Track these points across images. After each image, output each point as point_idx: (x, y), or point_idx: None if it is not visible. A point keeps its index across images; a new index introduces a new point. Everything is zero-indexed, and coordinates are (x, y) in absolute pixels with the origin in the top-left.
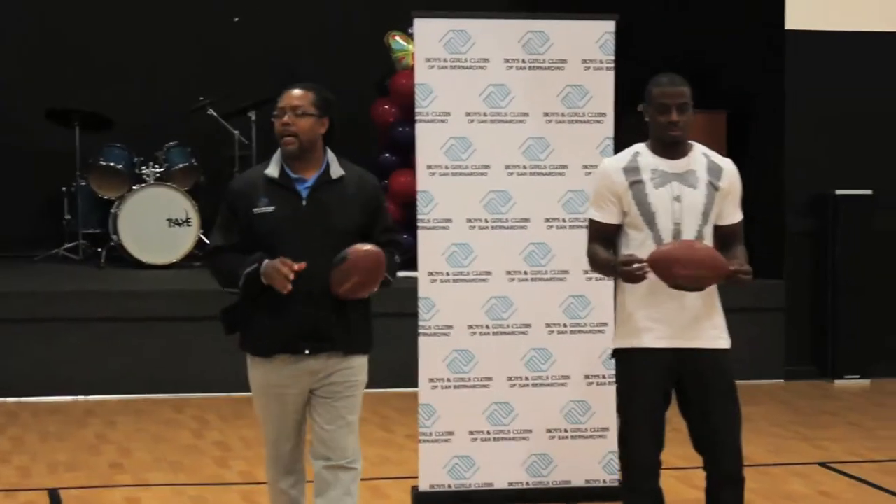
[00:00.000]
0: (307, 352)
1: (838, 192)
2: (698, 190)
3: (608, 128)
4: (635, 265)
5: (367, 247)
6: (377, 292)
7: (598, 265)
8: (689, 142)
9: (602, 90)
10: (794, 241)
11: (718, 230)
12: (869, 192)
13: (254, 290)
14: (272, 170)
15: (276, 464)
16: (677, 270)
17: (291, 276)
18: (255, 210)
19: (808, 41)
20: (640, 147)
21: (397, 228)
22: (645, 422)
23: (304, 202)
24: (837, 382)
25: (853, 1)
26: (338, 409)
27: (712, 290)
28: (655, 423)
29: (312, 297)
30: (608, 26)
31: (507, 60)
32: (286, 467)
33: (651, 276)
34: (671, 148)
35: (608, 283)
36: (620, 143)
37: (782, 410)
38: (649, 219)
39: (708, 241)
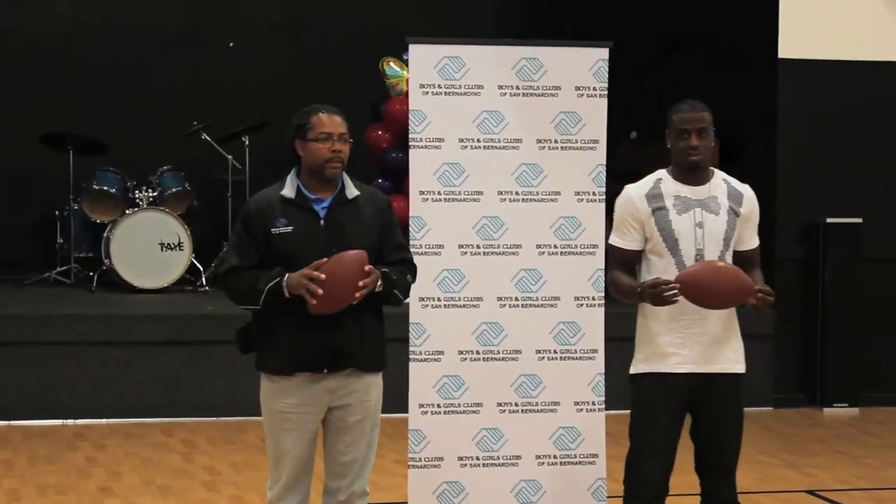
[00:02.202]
0: (326, 370)
1: (828, 220)
2: (720, 216)
3: (601, 155)
4: (663, 287)
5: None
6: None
7: (621, 291)
8: (710, 168)
9: (595, 117)
10: (783, 269)
11: (737, 255)
12: (858, 220)
13: (275, 306)
14: (288, 190)
15: (284, 485)
16: (704, 290)
17: (322, 278)
18: (274, 230)
19: (801, 70)
20: (662, 173)
21: (407, 247)
22: (660, 446)
23: (321, 222)
24: (826, 410)
25: (844, 30)
26: (354, 429)
27: (732, 315)
28: (670, 448)
29: (331, 316)
30: (602, 53)
31: (500, 87)
32: (294, 489)
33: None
34: (692, 174)
35: (599, 310)
36: (611, 170)
37: (771, 438)
38: (672, 245)
39: None
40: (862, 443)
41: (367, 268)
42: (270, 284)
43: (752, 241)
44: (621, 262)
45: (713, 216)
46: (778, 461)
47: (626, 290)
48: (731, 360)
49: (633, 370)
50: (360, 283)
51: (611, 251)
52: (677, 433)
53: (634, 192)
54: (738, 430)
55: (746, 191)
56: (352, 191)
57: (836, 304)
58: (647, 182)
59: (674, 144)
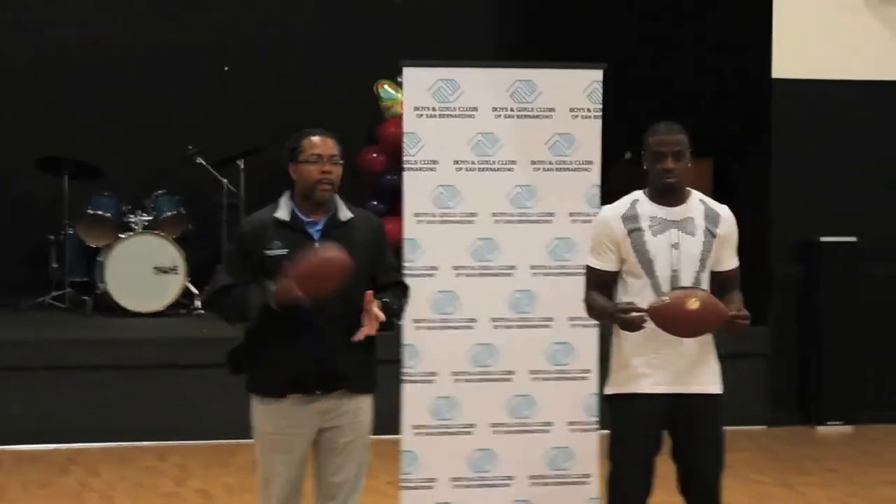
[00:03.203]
0: (318, 392)
1: (823, 239)
2: (696, 237)
3: (595, 176)
4: (634, 314)
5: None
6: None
7: (596, 312)
8: (687, 189)
9: (589, 138)
10: (779, 288)
11: (715, 276)
12: (854, 239)
13: (267, 327)
14: (282, 213)
15: None
16: (676, 320)
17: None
18: (268, 252)
19: (795, 89)
20: (639, 194)
21: (399, 268)
22: (637, 466)
23: (316, 245)
24: (820, 429)
25: (839, 49)
26: (345, 450)
27: (708, 336)
28: (647, 468)
29: (324, 338)
30: (596, 75)
31: (495, 109)
32: None
33: (649, 323)
34: (668, 195)
35: (593, 331)
36: (606, 191)
37: (765, 457)
38: (648, 266)
39: (705, 287)
40: (856, 461)
41: (367, 298)
42: (260, 304)
43: (730, 262)
44: (598, 283)
45: (689, 237)
46: (771, 480)
47: (601, 311)
48: (707, 381)
49: (607, 391)
50: (362, 334)
51: (587, 272)
52: (654, 453)
53: (610, 213)
54: (717, 450)
55: (724, 211)
56: (345, 213)
57: (832, 323)
58: (623, 203)
59: (650, 166)
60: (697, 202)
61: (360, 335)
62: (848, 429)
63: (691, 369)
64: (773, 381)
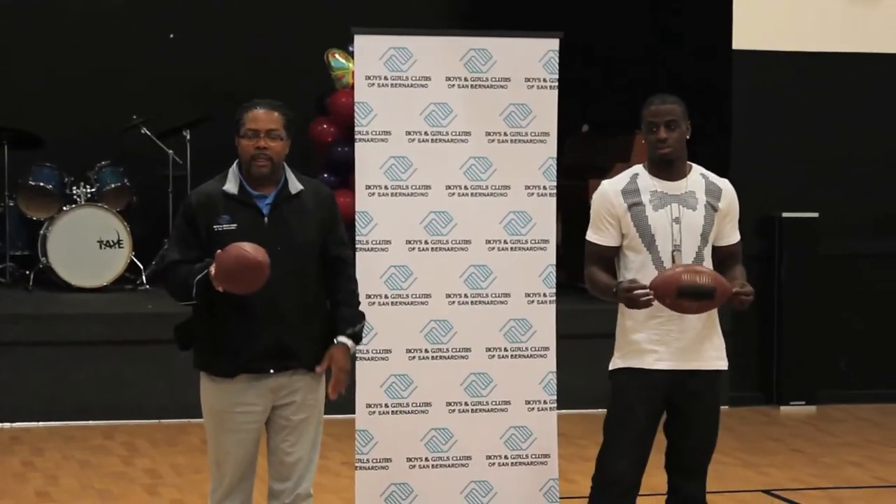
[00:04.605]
0: (272, 371)
1: (784, 214)
2: (697, 211)
3: (552, 148)
4: (638, 291)
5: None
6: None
7: (598, 288)
8: (688, 163)
9: (546, 109)
10: None
11: (717, 251)
12: (815, 214)
13: (217, 303)
14: (230, 186)
15: (227, 488)
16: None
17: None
18: (216, 227)
19: (755, 61)
20: (639, 168)
21: (347, 242)
22: (634, 441)
23: (265, 219)
24: (783, 408)
25: (799, 21)
26: (298, 428)
27: (712, 312)
28: (644, 443)
29: (277, 315)
30: (552, 44)
31: (448, 78)
32: (237, 491)
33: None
34: (668, 168)
35: (550, 307)
36: (562, 164)
37: (726, 437)
38: (648, 241)
39: (707, 262)
40: (819, 441)
41: (326, 364)
42: (198, 279)
43: (732, 237)
44: (599, 259)
45: (690, 211)
46: (733, 460)
47: (603, 288)
48: (713, 357)
49: (611, 367)
50: (333, 392)
51: (588, 247)
52: (653, 430)
53: (610, 188)
54: (714, 428)
55: (725, 185)
56: (295, 185)
57: (793, 300)
58: (623, 177)
59: (645, 138)
60: (698, 176)
61: (333, 394)
62: (811, 409)
63: (696, 345)
64: (734, 360)
